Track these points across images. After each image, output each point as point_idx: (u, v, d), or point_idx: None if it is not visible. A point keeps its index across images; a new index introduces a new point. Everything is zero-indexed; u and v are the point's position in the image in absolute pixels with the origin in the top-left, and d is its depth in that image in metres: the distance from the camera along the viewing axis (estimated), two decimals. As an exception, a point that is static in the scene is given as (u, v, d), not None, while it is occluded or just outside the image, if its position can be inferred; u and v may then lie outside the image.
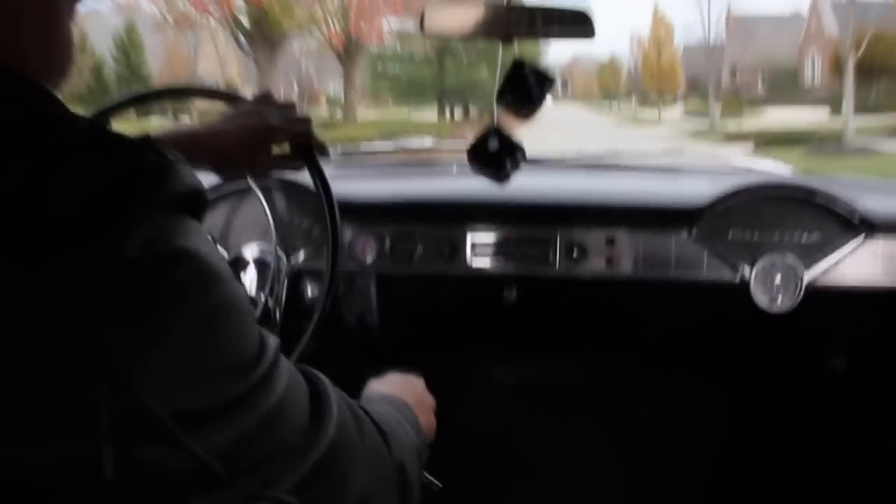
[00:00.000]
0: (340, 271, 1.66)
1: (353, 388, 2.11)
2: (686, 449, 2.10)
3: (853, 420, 1.97)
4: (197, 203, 0.55)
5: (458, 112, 25.35)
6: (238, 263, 1.54)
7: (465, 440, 2.18)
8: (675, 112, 31.55)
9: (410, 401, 0.93)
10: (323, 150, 1.23)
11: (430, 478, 0.98)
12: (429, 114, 24.78)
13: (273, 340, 0.57)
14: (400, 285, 1.70)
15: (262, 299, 1.44)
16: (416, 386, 1.03)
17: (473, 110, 24.10)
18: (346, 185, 1.75)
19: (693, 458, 2.07)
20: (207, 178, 1.71)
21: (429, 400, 1.02)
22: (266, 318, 1.51)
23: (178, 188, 0.53)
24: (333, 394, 0.63)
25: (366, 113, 22.80)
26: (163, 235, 0.50)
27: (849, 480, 1.94)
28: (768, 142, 13.92)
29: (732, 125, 20.16)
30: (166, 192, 0.52)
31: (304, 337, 1.32)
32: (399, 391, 0.94)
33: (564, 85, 56.02)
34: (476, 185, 1.55)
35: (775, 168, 2.18)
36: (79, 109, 0.59)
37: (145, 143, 0.52)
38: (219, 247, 1.62)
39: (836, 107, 20.10)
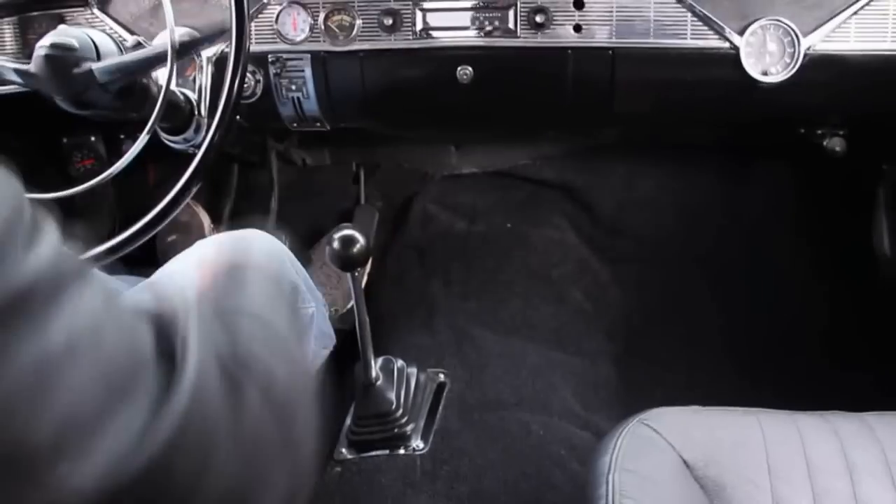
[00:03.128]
0: (266, 52, 1.48)
1: (304, 185, 1.98)
2: (664, 231, 2.00)
3: (842, 204, 1.86)
4: None
5: None
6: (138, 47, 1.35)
7: (429, 234, 2.08)
8: None
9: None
10: None
11: None
12: None
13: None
14: (339, 64, 1.49)
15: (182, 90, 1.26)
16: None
17: None
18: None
19: (673, 244, 1.97)
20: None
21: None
22: (189, 112, 1.36)
23: None
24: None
25: None
26: None
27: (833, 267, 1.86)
28: None
29: None
30: None
31: (210, 126, 1.19)
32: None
33: None
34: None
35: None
36: None
37: None
38: (128, 33, 1.43)
39: None
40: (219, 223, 1.97)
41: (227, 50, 1.43)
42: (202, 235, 1.86)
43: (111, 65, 1.18)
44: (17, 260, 0.42)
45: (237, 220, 1.99)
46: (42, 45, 1.17)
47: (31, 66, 1.16)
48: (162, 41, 1.32)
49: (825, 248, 1.91)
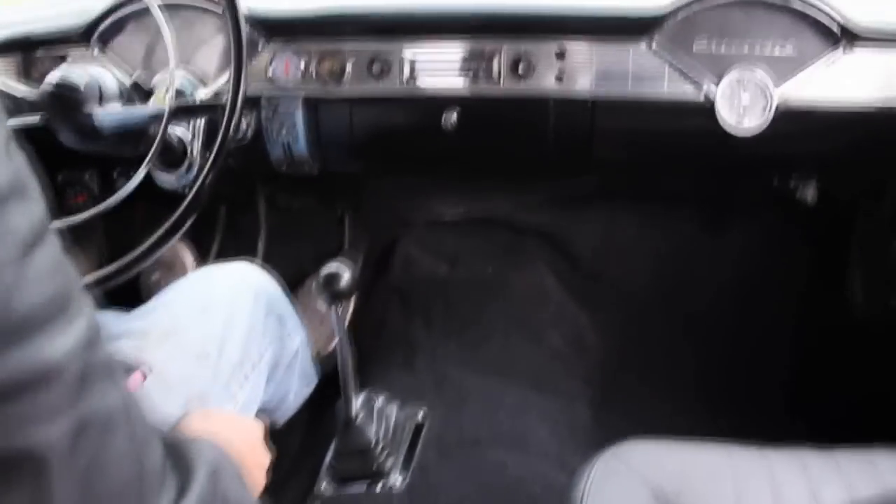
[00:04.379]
0: (260, 96, 1.53)
1: (290, 228, 2.01)
2: (642, 278, 2.04)
3: (815, 253, 1.90)
4: None
5: None
6: (141, 91, 1.40)
7: (411, 279, 2.10)
8: None
9: (242, 452, 0.81)
10: None
11: None
12: None
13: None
14: (329, 109, 1.54)
15: (164, 126, 1.30)
16: (251, 434, 0.92)
17: None
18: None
19: (651, 291, 2.01)
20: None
21: (262, 456, 0.91)
22: (182, 152, 1.39)
23: None
24: None
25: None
26: None
27: (810, 312, 1.90)
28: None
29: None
30: None
31: (205, 168, 1.22)
32: (229, 437, 0.78)
33: None
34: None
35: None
36: None
37: None
38: (128, 75, 1.47)
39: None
40: (204, 262, 1.99)
41: (222, 94, 1.50)
42: (185, 273, 1.88)
43: (112, 116, 1.24)
44: (52, 337, 0.45)
45: (222, 259, 2.01)
46: (49, 83, 1.22)
47: (38, 101, 1.21)
48: (161, 94, 1.39)
49: (799, 294, 1.95)
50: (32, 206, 0.46)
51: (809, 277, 1.95)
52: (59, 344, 0.45)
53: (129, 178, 1.34)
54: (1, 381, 0.42)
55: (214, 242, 2.06)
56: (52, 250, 0.47)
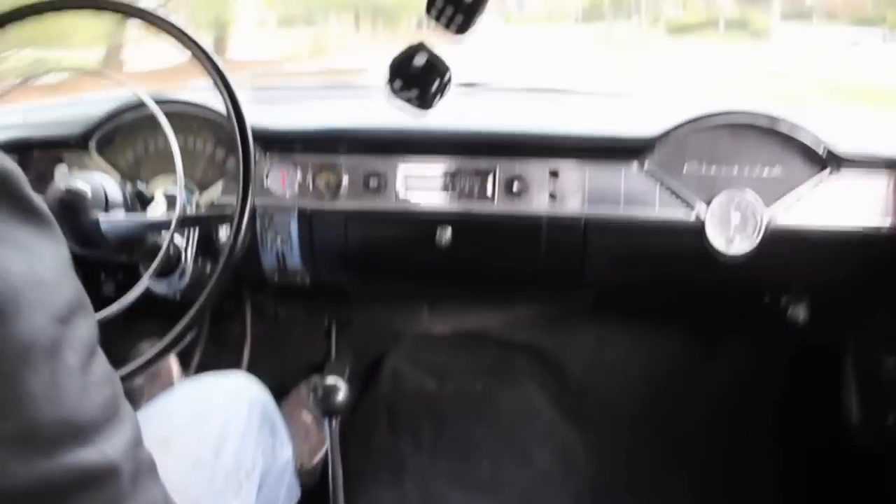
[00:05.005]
0: (256, 207, 1.54)
1: (275, 337, 1.99)
2: (632, 396, 2.02)
3: (809, 370, 1.90)
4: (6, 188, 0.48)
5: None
6: (142, 198, 1.41)
7: (399, 393, 2.08)
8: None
9: None
10: None
11: None
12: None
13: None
14: (324, 222, 1.55)
15: (170, 238, 1.30)
16: None
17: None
18: (265, 110, 1.60)
19: (641, 409, 2.00)
20: (107, 105, 1.57)
21: None
22: (176, 259, 1.39)
23: None
24: None
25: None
26: None
27: (801, 428, 1.88)
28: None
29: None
30: None
31: (211, 279, 1.21)
32: None
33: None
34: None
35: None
36: None
37: None
38: (125, 181, 1.48)
39: None
40: (187, 369, 1.96)
41: (220, 202, 1.51)
42: (171, 382, 1.85)
43: (117, 224, 1.25)
44: (110, 437, 0.50)
45: (207, 368, 1.98)
46: (57, 188, 1.23)
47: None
48: (161, 201, 1.40)
49: (793, 413, 1.93)
50: (90, 320, 0.52)
51: (803, 396, 1.94)
52: (116, 443, 0.50)
53: (116, 281, 1.34)
54: (70, 477, 0.46)
55: (198, 349, 2.03)
56: (103, 359, 0.53)
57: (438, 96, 1.08)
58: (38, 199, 0.51)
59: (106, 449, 0.49)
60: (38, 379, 0.46)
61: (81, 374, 0.49)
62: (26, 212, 0.50)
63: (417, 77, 1.07)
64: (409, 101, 1.08)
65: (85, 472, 0.47)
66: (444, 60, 1.07)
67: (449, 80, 1.07)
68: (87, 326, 0.51)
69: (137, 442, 0.53)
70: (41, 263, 0.49)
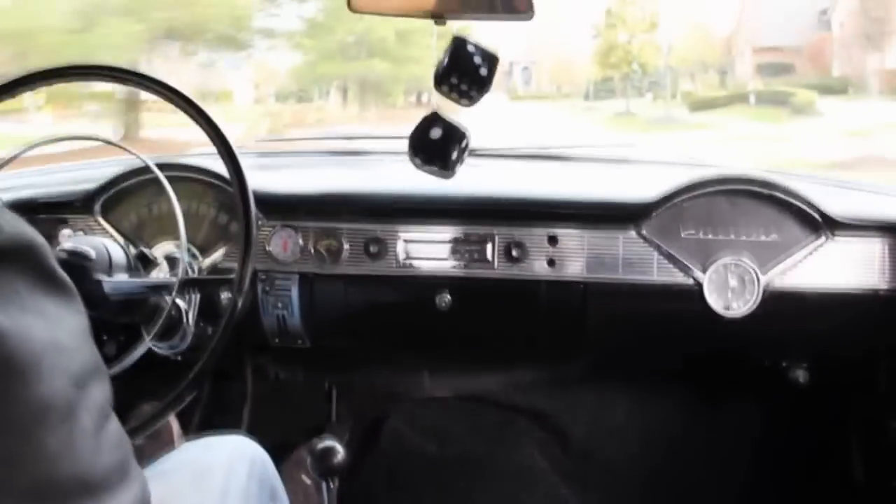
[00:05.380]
0: (257, 270, 1.55)
1: (275, 398, 1.99)
2: (634, 459, 2.01)
3: (812, 433, 1.89)
4: (25, 255, 0.51)
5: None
6: (145, 261, 1.42)
7: (399, 456, 2.07)
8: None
9: None
10: None
11: None
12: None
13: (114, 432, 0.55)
14: (324, 286, 1.56)
15: (172, 300, 1.31)
16: None
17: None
18: (267, 176, 1.62)
19: (643, 472, 1.98)
20: (111, 169, 1.60)
21: None
22: (178, 321, 1.40)
23: None
24: None
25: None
26: None
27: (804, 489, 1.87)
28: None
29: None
30: None
31: (211, 342, 1.22)
32: None
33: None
34: (407, 178, 1.43)
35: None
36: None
37: None
38: (128, 244, 1.49)
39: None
40: (187, 430, 1.95)
41: (221, 265, 1.52)
42: (171, 442, 1.84)
43: (121, 285, 1.26)
44: (118, 496, 0.54)
45: (207, 428, 1.97)
46: (63, 249, 1.24)
47: None
48: (163, 264, 1.41)
49: (797, 475, 1.91)
50: (105, 384, 0.55)
51: (807, 457, 1.92)
52: (124, 502, 0.54)
53: (118, 341, 1.35)
54: None
55: (198, 410, 2.03)
56: (116, 422, 0.56)
57: (460, 162, 1.12)
58: (60, 271, 0.54)
59: None
60: (54, 438, 0.49)
61: (95, 436, 0.52)
62: (51, 282, 0.53)
63: (437, 148, 1.11)
64: (432, 173, 1.12)
65: None
66: (460, 126, 1.11)
67: (467, 144, 1.11)
68: (101, 390, 0.54)
69: (146, 501, 0.57)
70: (62, 331, 0.52)
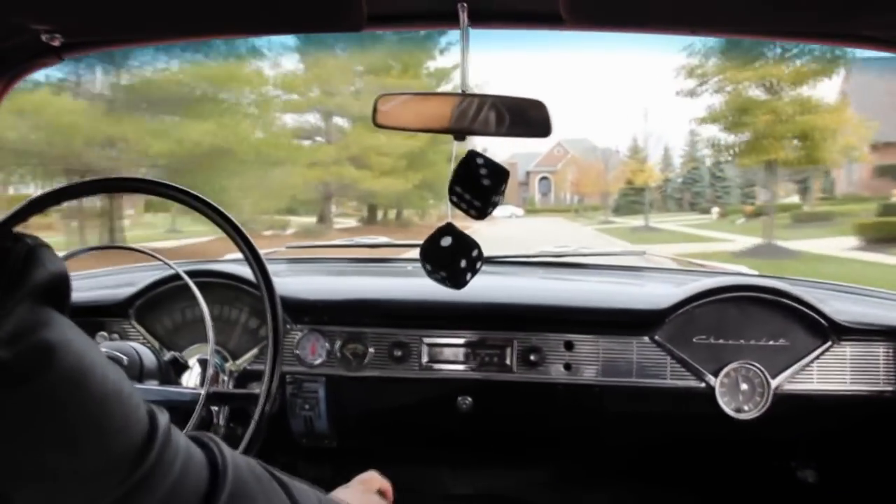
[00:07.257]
0: (285, 373, 1.61)
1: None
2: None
3: None
4: (61, 290, 0.54)
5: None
6: (178, 365, 1.47)
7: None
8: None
9: None
10: None
11: None
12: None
13: (163, 418, 0.56)
14: (350, 389, 1.62)
15: (198, 410, 1.36)
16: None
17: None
18: (295, 282, 1.69)
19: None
20: (148, 276, 1.68)
21: None
22: (209, 422, 1.45)
23: (41, 277, 0.51)
24: (229, 455, 0.63)
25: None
26: (26, 330, 0.48)
27: None
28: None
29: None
30: (27, 281, 0.50)
31: (241, 443, 1.26)
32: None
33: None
34: (431, 286, 1.49)
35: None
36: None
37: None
38: (162, 348, 1.55)
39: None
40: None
41: (250, 365, 1.57)
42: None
43: (148, 393, 1.30)
44: None
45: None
46: None
47: None
48: (194, 372, 1.46)
49: None
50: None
51: None
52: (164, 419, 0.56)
53: None
54: None
55: None
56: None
57: (469, 273, 1.13)
58: None
59: None
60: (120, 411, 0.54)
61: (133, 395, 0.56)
62: None
63: (446, 257, 1.13)
64: (440, 281, 1.14)
65: None
66: (471, 238, 1.13)
67: (478, 256, 1.13)
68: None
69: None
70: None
